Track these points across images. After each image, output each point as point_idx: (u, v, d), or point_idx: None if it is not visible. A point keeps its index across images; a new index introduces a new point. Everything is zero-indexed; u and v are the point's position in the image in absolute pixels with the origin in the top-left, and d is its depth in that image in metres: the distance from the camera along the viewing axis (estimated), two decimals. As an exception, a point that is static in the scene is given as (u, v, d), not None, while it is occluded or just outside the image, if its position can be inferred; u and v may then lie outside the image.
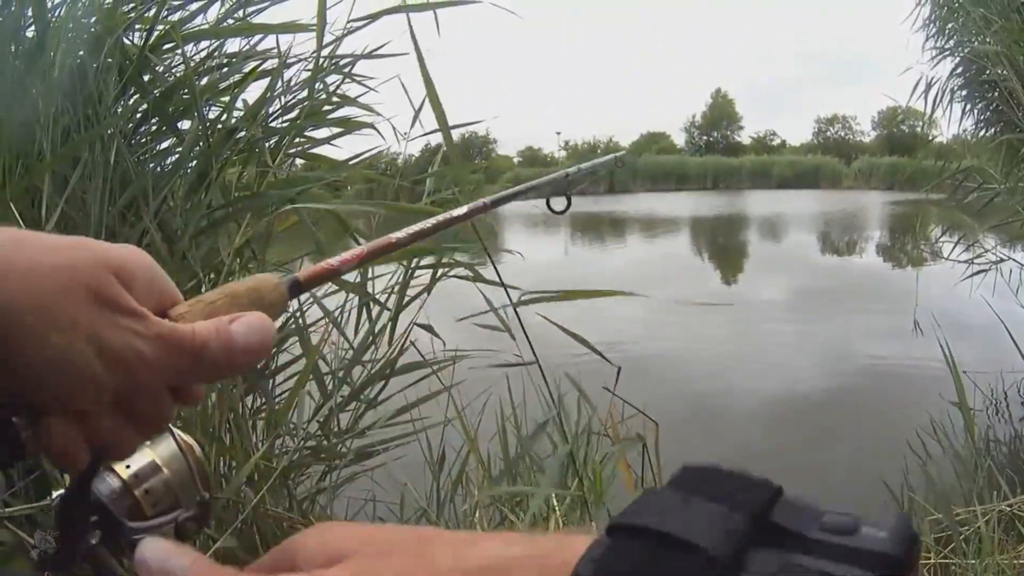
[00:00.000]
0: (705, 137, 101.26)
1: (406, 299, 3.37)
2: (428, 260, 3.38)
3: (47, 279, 0.61)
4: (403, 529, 0.55)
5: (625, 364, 3.31)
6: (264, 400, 3.03)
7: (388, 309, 3.32)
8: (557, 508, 3.09)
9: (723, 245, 27.16)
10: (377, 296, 3.36)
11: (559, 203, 1.47)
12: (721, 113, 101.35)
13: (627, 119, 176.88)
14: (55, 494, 0.75)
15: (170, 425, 0.80)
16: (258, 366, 2.63)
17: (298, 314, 3.08)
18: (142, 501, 0.77)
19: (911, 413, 5.35)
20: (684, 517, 0.47)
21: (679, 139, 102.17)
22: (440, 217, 1.14)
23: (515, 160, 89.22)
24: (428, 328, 3.40)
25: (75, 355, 0.61)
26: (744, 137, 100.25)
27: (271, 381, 3.03)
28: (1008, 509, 3.29)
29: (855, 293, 14.63)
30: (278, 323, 3.11)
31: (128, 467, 0.78)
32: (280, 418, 2.67)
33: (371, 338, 3.09)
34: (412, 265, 3.38)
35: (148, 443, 0.80)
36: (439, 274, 3.36)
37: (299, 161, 3.94)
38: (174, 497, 0.80)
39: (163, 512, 0.79)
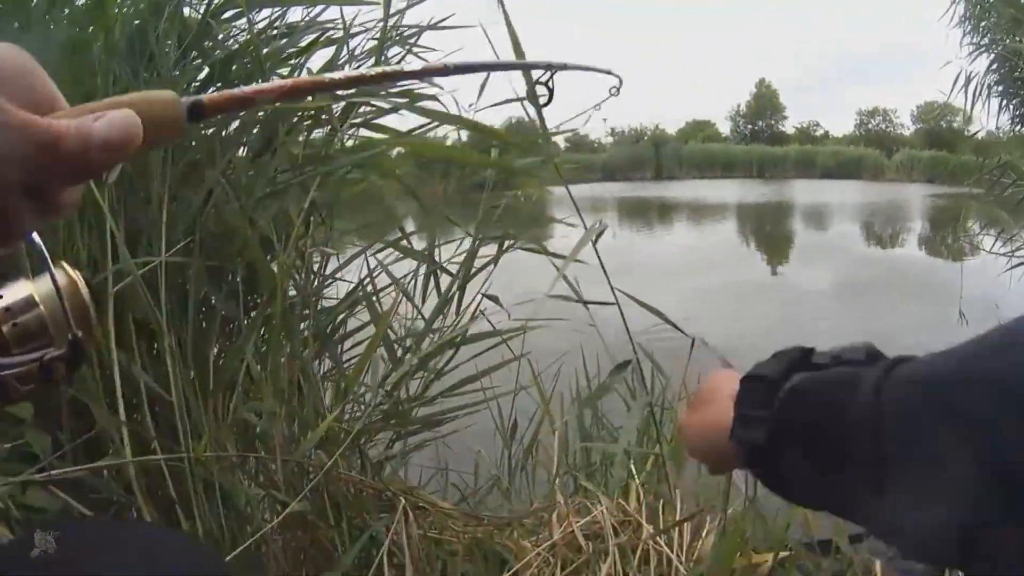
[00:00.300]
0: (750, 126, 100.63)
1: (472, 271, 3.35)
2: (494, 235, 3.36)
3: None
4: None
5: (670, 347, 3.30)
6: (334, 365, 3.02)
7: (451, 275, 3.29)
8: (636, 475, 3.06)
9: (769, 233, 27.02)
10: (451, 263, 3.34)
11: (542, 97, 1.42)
12: (765, 103, 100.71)
13: (673, 107, 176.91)
14: None
15: (50, 259, 0.75)
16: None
17: (367, 280, 3.05)
18: (8, 337, 0.73)
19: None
20: (768, 365, 0.98)
21: (724, 128, 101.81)
22: (388, 68, 1.11)
23: (563, 146, 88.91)
24: (494, 299, 3.37)
25: None
26: (788, 127, 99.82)
27: (340, 347, 3.02)
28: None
29: (899, 284, 14.52)
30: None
31: (0, 297, 0.74)
32: (351, 383, 2.66)
33: (443, 306, 3.07)
34: (479, 236, 3.36)
35: (30, 278, 0.76)
36: (506, 246, 3.34)
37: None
38: (48, 335, 0.75)
39: (34, 350, 0.74)
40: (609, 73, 1.46)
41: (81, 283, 0.77)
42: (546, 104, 1.35)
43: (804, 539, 2.83)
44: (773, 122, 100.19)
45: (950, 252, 17.27)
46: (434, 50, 3.65)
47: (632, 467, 3.10)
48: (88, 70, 2.58)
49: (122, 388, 2.34)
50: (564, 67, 1.30)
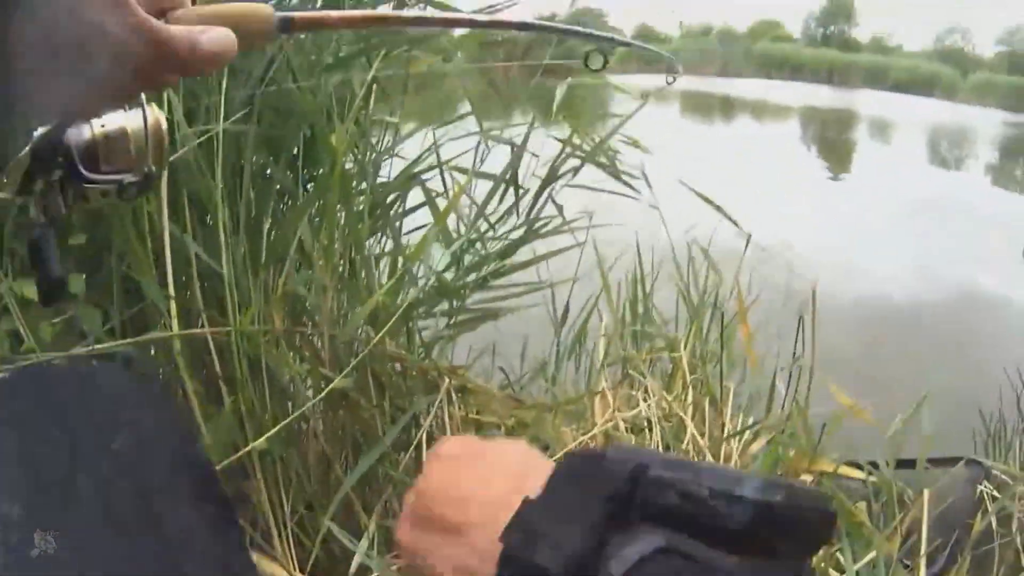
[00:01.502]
0: (821, 30, 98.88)
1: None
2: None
3: None
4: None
5: (727, 250, 3.30)
6: (391, 241, 2.99)
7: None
8: (686, 371, 3.07)
9: (832, 139, 26.72)
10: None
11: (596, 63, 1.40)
12: (839, 7, 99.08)
13: (745, 3, 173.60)
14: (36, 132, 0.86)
15: (143, 98, 0.92)
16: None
17: (428, 155, 3.00)
18: (100, 155, 0.90)
19: (1011, 345, 5.23)
20: (546, 530, 0.63)
21: (796, 30, 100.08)
22: (455, 15, 1.22)
23: (629, 37, 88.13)
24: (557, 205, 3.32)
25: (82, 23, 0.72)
26: (861, 35, 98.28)
27: (400, 223, 2.98)
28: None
29: (960, 210, 14.32)
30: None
31: (103, 126, 0.90)
32: (412, 258, 2.62)
33: (503, 186, 3.01)
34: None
35: (127, 113, 0.92)
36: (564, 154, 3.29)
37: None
38: (129, 163, 0.92)
39: (116, 172, 0.92)
40: (665, 56, 1.59)
41: (164, 123, 0.96)
42: (601, 68, 1.37)
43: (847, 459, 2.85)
44: (846, 28, 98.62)
45: (1018, 184, 17.00)
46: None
47: (684, 361, 3.12)
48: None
49: (172, 261, 2.33)
50: (624, 43, 1.45)
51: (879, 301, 8.13)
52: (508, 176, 2.86)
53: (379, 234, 2.98)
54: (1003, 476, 3.09)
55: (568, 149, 2.95)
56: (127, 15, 0.73)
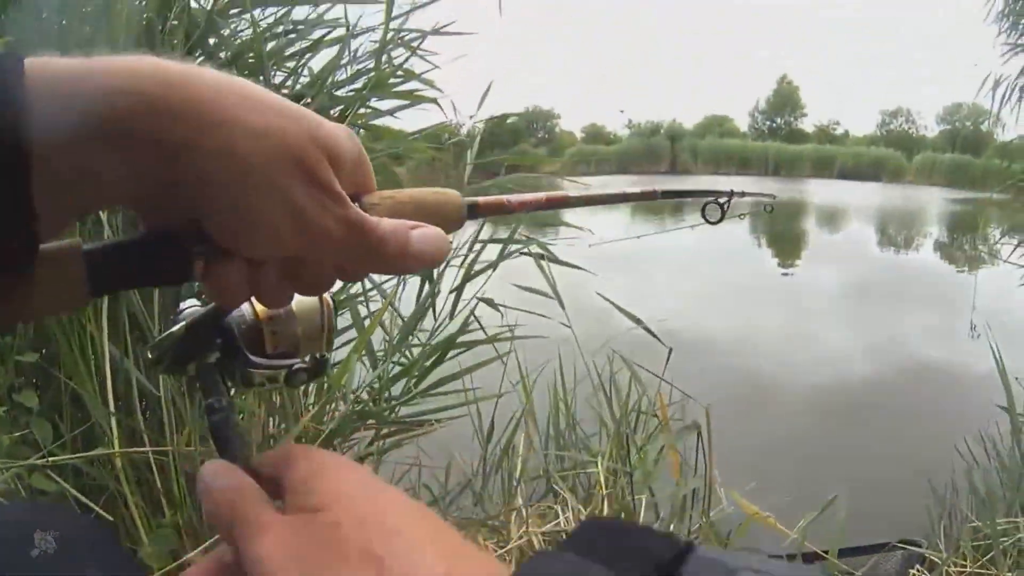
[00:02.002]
0: (768, 123, 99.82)
1: (473, 272, 3.40)
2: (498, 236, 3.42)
3: (257, 142, 0.65)
4: (381, 502, 0.64)
5: (677, 344, 3.36)
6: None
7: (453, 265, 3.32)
8: (603, 484, 3.12)
9: (781, 232, 26.96)
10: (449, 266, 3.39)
11: (714, 215, 1.50)
12: (785, 99, 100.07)
13: (691, 100, 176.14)
14: (187, 308, 0.83)
15: None
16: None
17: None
18: (267, 340, 0.83)
19: (961, 417, 5.29)
20: None
21: (742, 123, 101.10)
22: (615, 191, 1.20)
23: (579, 136, 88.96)
24: (489, 302, 3.41)
25: (267, 216, 0.67)
26: (807, 125, 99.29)
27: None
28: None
29: (911, 290, 14.48)
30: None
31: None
32: (335, 383, 2.69)
33: (426, 307, 3.09)
34: (478, 238, 3.40)
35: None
36: (507, 251, 3.38)
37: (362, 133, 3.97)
38: (296, 347, 0.85)
39: (281, 356, 0.84)
40: (771, 196, 1.73)
41: (331, 305, 0.88)
42: (718, 221, 1.49)
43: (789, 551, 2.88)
44: (792, 119, 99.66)
45: (967, 260, 17.17)
46: (436, 54, 3.70)
47: (601, 477, 3.16)
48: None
49: (114, 382, 2.45)
50: (743, 194, 1.53)
51: (835, 384, 8.18)
52: (428, 303, 2.95)
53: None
54: (933, 557, 3.14)
55: (513, 246, 3.06)
56: (342, 210, 0.70)
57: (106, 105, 0.59)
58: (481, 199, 0.94)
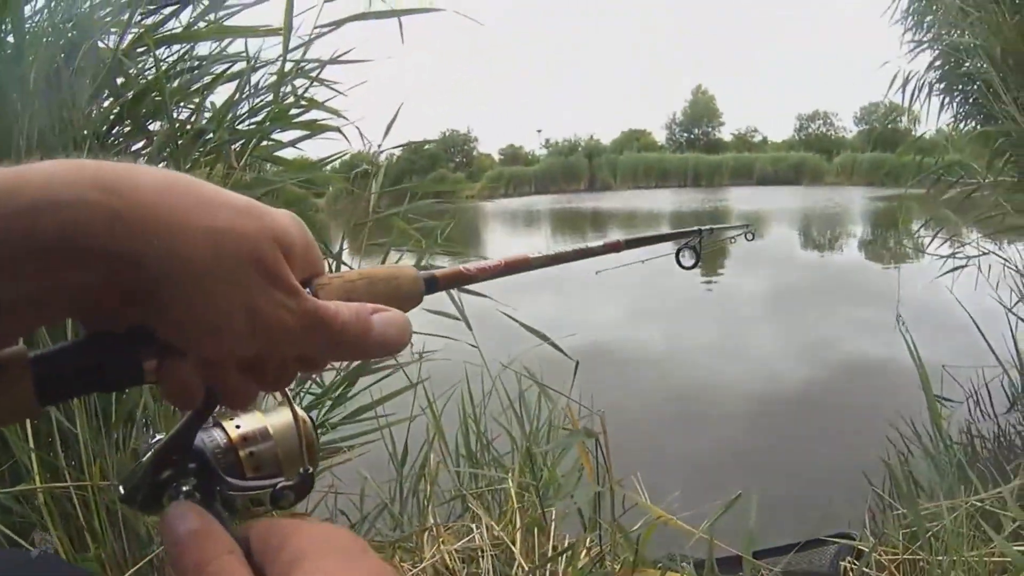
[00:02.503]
0: (686, 134, 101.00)
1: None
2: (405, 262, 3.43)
3: (212, 241, 0.62)
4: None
5: (604, 360, 3.39)
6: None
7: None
8: (515, 499, 3.15)
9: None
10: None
11: (688, 259, 1.47)
12: (702, 110, 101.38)
13: (608, 116, 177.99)
14: (156, 438, 0.76)
15: (289, 396, 0.81)
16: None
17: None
18: (244, 462, 0.78)
19: (892, 408, 5.35)
20: None
21: (660, 136, 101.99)
22: (575, 248, 1.19)
23: (496, 158, 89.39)
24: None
25: (223, 317, 0.63)
26: (725, 134, 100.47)
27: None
28: (979, 505, 3.25)
29: (837, 289, 14.70)
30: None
31: (238, 427, 0.78)
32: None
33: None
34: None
35: (263, 410, 0.80)
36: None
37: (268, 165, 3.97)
38: (277, 465, 0.79)
39: (263, 477, 0.78)
40: (747, 226, 1.83)
41: (309, 421, 0.82)
42: (693, 266, 1.56)
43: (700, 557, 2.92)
44: (710, 129, 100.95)
45: (891, 255, 17.43)
46: (337, 83, 3.71)
47: (512, 493, 3.18)
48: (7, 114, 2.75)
49: (36, 422, 2.54)
50: (711, 231, 1.56)
51: (768, 389, 8.25)
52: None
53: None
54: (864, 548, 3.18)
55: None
56: (298, 303, 0.67)
57: (47, 220, 0.55)
58: (439, 272, 0.91)
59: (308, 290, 0.71)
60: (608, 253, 1.24)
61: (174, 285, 0.60)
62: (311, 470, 0.81)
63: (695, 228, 1.44)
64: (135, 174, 0.60)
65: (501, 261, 1.00)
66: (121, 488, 0.77)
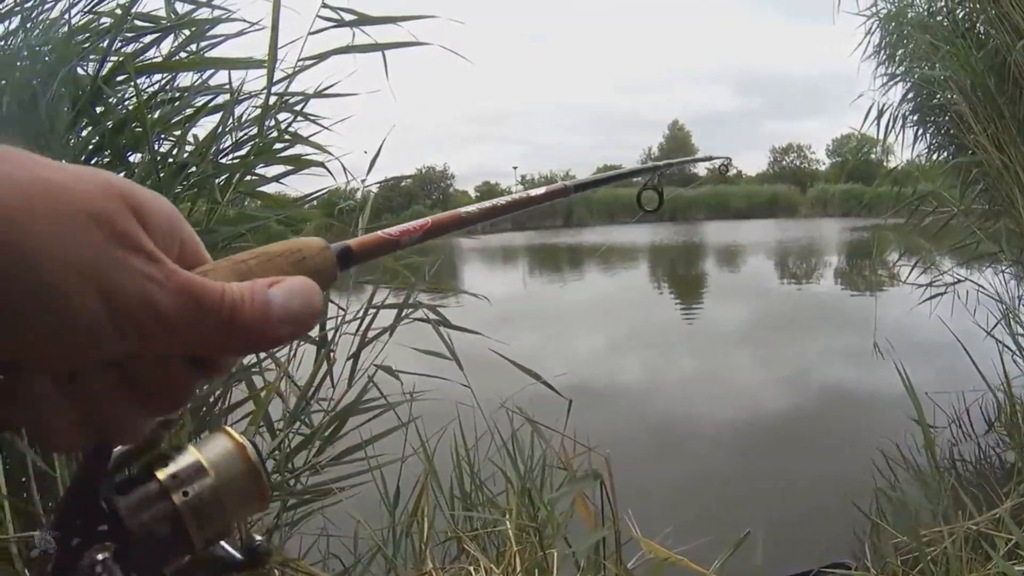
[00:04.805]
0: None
1: (368, 337, 3.38)
2: (392, 300, 3.41)
3: (30, 193, 0.47)
4: None
5: (587, 395, 3.37)
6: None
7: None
8: (513, 541, 3.10)
9: (681, 275, 27.23)
10: (343, 334, 3.38)
11: (651, 201, 1.41)
12: (678, 145, 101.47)
13: (584, 152, 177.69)
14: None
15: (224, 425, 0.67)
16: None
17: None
18: (183, 512, 0.60)
19: (876, 435, 5.36)
20: None
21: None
22: (516, 196, 1.01)
23: (473, 195, 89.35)
24: (388, 370, 3.39)
25: (67, 293, 0.47)
26: (700, 168, 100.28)
27: (225, 418, 2.99)
28: (975, 528, 3.26)
29: (815, 319, 14.72)
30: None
31: (166, 467, 0.62)
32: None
33: (321, 378, 3.07)
34: (372, 303, 3.38)
35: (194, 443, 0.63)
36: (404, 315, 3.37)
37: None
38: (221, 510, 0.62)
39: (209, 531, 0.62)
40: (714, 158, 1.54)
41: (252, 448, 0.65)
42: (656, 209, 1.46)
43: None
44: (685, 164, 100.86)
45: (867, 284, 17.49)
46: (321, 117, 3.68)
47: (511, 534, 3.15)
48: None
49: (9, 463, 2.42)
50: (670, 165, 1.47)
51: (750, 420, 8.23)
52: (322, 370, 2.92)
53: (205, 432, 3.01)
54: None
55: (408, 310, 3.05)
56: (164, 274, 0.52)
57: None
58: (353, 241, 0.72)
59: None
60: (553, 200, 1.05)
61: None
62: (259, 544, 0.69)
63: (650, 164, 1.33)
64: None
65: (428, 220, 0.83)
66: (34, 554, 0.57)
